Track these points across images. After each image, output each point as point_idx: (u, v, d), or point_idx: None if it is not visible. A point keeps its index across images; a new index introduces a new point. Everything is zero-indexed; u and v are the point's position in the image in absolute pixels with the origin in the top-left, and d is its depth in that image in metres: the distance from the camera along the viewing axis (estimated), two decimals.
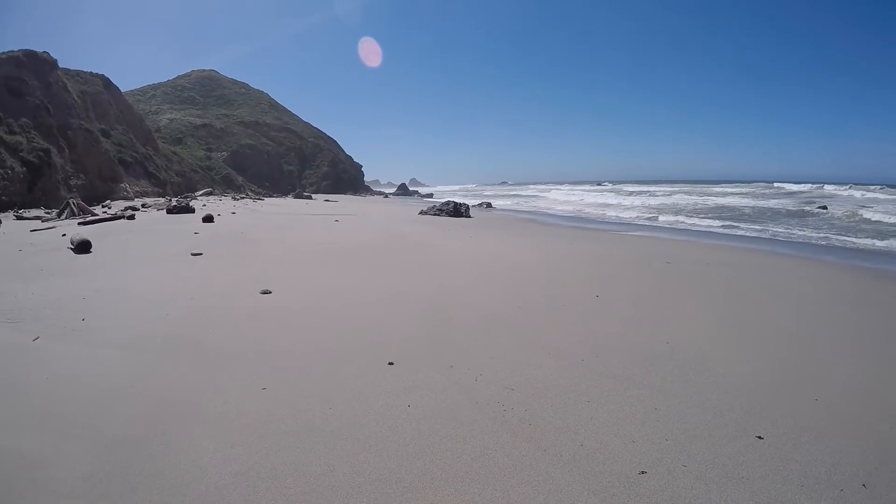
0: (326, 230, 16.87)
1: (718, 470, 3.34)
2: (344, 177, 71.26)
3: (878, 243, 16.44)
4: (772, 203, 33.73)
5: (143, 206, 27.62)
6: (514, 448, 3.53)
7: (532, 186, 69.21)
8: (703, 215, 26.41)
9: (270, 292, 7.29)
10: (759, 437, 3.76)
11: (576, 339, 5.77)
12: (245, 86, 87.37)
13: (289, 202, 38.61)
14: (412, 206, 27.92)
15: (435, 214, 23.28)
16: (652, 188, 59.73)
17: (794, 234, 19.09)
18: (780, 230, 20.27)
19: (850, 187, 46.58)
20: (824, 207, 27.61)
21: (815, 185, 51.41)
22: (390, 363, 4.90)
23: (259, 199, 43.46)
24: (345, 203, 31.99)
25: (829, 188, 47.76)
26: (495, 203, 39.50)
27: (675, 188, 58.13)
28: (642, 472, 3.29)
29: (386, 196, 59.24)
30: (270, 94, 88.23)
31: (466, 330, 5.97)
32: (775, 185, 55.89)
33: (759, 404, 4.27)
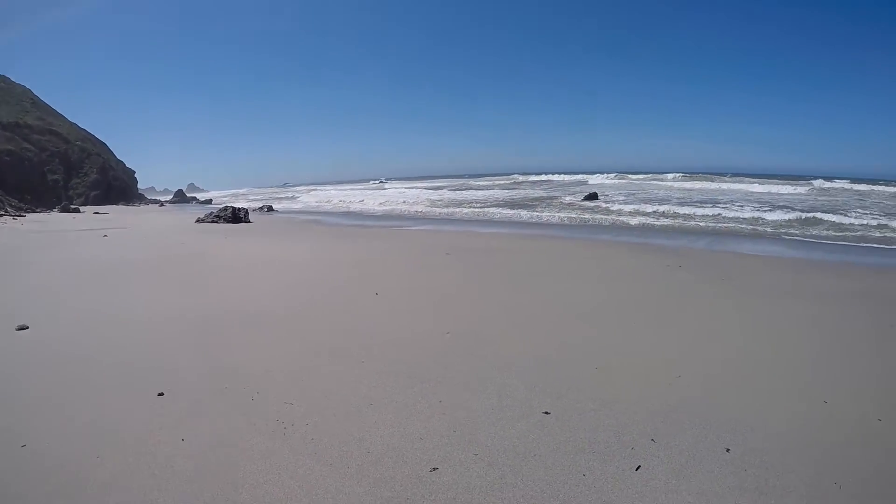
0: (95, 247, 14.66)
1: (510, 452, 3.28)
2: (116, 185, 60.54)
3: (632, 221, 19.71)
4: (538, 192, 37.25)
5: None
6: (299, 467, 3.15)
7: (317, 187, 67.40)
8: (479, 205, 27.88)
9: (28, 327, 6.06)
10: (546, 413, 3.80)
11: (355, 339, 5.50)
12: (5, 79, 73.40)
13: (54, 217, 33.62)
14: (190, 214, 25.81)
15: (213, 222, 21.48)
16: (435, 182, 62.21)
17: (573, 217, 21.11)
18: (547, 214, 22.45)
19: (615, 176, 53.36)
20: (594, 196, 30.55)
21: (583, 175, 57.30)
22: (160, 393, 4.22)
23: (20, 215, 37.09)
24: (117, 215, 28.61)
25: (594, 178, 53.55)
26: (277, 206, 37.93)
27: (445, 182, 61.27)
28: (434, 469, 3.10)
29: (162, 205, 53.14)
30: (34, 91, 75.00)
31: (242, 344, 5.35)
32: (542, 176, 60.45)
33: (543, 381, 4.39)
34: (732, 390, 4.32)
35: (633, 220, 19.66)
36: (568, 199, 30.11)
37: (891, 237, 15.39)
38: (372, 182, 75.19)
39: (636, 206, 23.50)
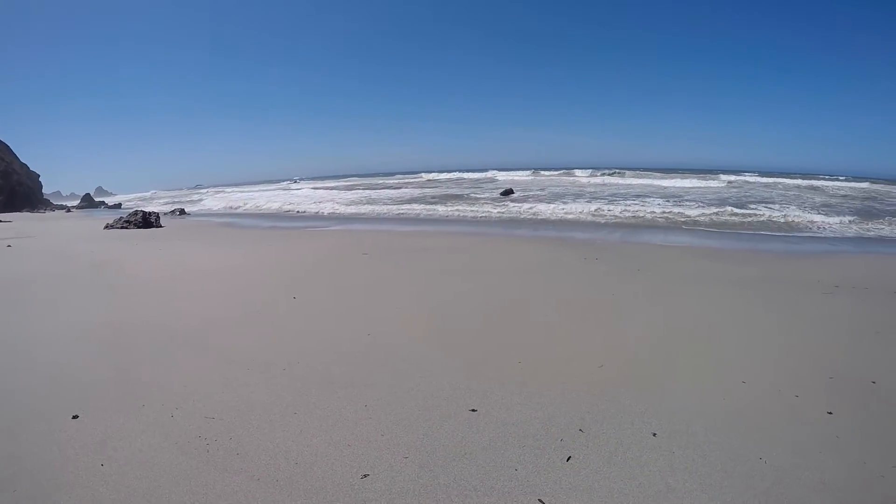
0: None
1: (440, 452, 3.22)
2: (20, 190, 54.52)
3: (548, 215, 20.11)
4: (452, 189, 37.47)
5: None
6: (226, 486, 2.99)
7: (230, 188, 64.39)
8: (394, 204, 27.33)
9: None
10: (473, 410, 3.77)
11: (275, 347, 5.28)
12: None
13: None
14: (99, 220, 24.56)
15: (123, 227, 20.36)
16: (346, 182, 60.50)
17: (490, 213, 21.31)
18: (464, 211, 22.42)
19: (531, 173, 54.45)
20: (510, 192, 30.97)
21: (493, 171, 57.97)
22: (75, 416, 3.96)
23: None
24: (21, 223, 26.67)
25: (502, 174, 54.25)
26: (189, 209, 36.24)
27: (356, 181, 59.80)
28: (365, 476, 3.01)
29: (69, 210, 49.50)
30: None
31: (158, 358, 5.00)
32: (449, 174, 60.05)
33: (468, 379, 4.35)
34: (654, 376, 4.43)
35: (549, 215, 19.94)
36: (484, 195, 30.26)
37: (793, 223, 16.55)
38: (285, 182, 72.80)
39: (551, 201, 23.95)
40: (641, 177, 42.30)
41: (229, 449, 3.36)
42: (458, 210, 22.49)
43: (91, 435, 3.62)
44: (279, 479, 3.01)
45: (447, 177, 54.57)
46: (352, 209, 26.22)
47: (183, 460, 3.25)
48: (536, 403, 3.86)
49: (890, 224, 17.02)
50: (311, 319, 6.22)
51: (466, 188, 37.93)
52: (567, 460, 3.15)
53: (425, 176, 57.43)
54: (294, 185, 58.12)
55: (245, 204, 34.10)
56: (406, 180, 54.23)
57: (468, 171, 60.89)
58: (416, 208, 24.09)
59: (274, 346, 5.30)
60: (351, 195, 35.51)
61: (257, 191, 49.58)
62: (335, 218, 23.34)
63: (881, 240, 14.90)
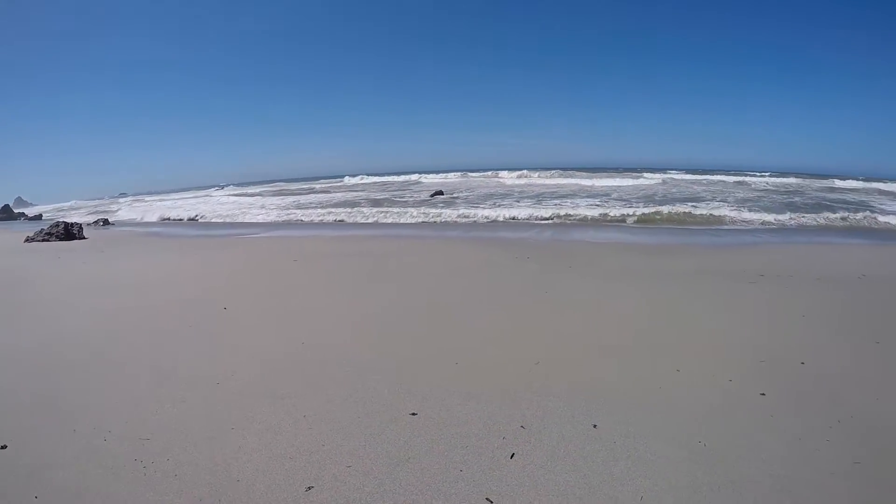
0: None
1: (383, 459, 3.16)
2: None
3: (479, 216, 20.04)
4: (379, 192, 36.98)
5: None
6: None
7: (153, 196, 60.35)
8: (322, 208, 26.51)
9: None
10: (413, 414, 3.75)
11: (207, 360, 5.07)
12: None
13: None
14: (18, 233, 23.39)
15: (44, 240, 19.36)
16: (272, 186, 56.69)
17: (420, 215, 21.04)
18: (394, 214, 22.11)
19: (460, 175, 54.29)
20: (440, 193, 31.07)
21: (416, 174, 56.97)
22: (3, 446, 3.75)
23: None
24: None
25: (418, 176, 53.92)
26: (113, 218, 34.57)
27: (282, 186, 56.83)
28: (309, 489, 2.94)
29: None
30: None
31: (86, 379, 4.69)
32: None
33: (406, 382, 4.31)
34: (591, 370, 4.51)
35: (481, 216, 19.92)
36: (413, 197, 30.08)
37: (718, 217, 17.49)
38: (210, 189, 68.74)
39: (481, 202, 24.07)
40: (570, 176, 42.75)
41: (167, 471, 3.23)
42: (388, 213, 22.13)
43: (22, 465, 3.43)
44: (221, 499, 2.90)
45: (372, 180, 52.98)
46: (280, 214, 25.48)
47: (119, 486, 3.11)
48: (476, 403, 3.86)
49: (811, 214, 17.94)
50: (243, 330, 6.01)
51: (394, 191, 37.15)
52: (511, 457, 3.16)
53: (349, 180, 55.63)
54: (218, 192, 55.26)
55: (172, 212, 32.63)
56: (332, 184, 52.62)
57: (392, 173, 59.51)
58: (346, 212, 23.45)
59: (207, 359, 5.08)
60: (278, 200, 34.43)
61: (183, 198, 47.31)
62: (264, 225, 22.69)
63: (802, 230, 15.76)
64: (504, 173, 48.45)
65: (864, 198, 28.79)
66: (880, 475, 3.11)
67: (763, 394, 4.04)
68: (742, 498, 2.86)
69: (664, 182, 37.63)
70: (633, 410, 3.73)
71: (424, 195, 30.47)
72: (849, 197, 28.94)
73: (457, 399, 3.94)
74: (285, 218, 24.41)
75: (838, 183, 38.63)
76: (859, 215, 18.23)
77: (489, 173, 51.25)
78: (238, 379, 4.55)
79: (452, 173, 55.03)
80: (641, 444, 3.28)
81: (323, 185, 51.07)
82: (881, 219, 17.83)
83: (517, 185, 37.49)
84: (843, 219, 17.91)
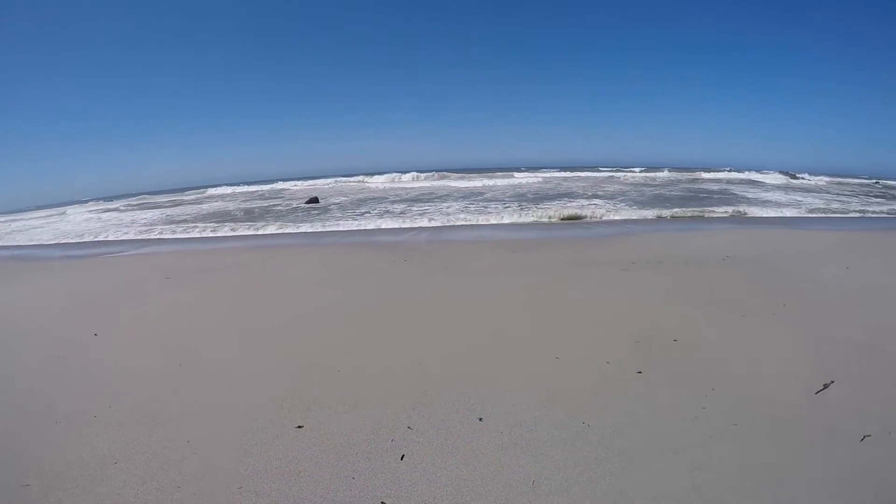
0: None
1: (274, 475, 3.10)
2: None
3: (356, 221, 19.42)
4: (243, 202, 35.52)
5: None
6: None
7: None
8: (191, 221, 24.95)
9: None
10: (300, 427, 3.69)
11: (83, 392, 4.70)
12: None
13: None
14: None
15: None
16: (129, 201, 52.41)
17: (296, 223, 20.16)
18: (268, 223, 20.90)
19: (333, 180, 52.55)
20: (316, 200, 30.40)
21: (281, 183, 54.90)
22: None
23: None
24: None
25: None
26: None
27: (152, 199, 52.86)
28: None
29: None
30: None
31: None
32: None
33: (290, 395, 4.22)
34: (474, 365, 4.62)
35: (358, 220, 19.38)
36: (287, 205, 29.01)
37: (591, 212, 18.26)
38: (74, 205, 60.02)
39: (358, 207, 23.60)
40: (444, 178, 43.17)
41: None
42: (263, 222, 21.31)
43: None
44: None
45: (242, 190, 49.09)
46: (151, 230, 23.85)
47: None
48: (363, 409, 3.87)
49: (678, 208, 19.32)
50: (117, 356, 5.59)
51: (267, 199, 35.32)
52: (401, 459, 3.20)
53: (214, 191, 50.97)
54: (78, 209, 48.89)
55: (23, 235, 29.34)
56: (199, 195, 48.82)
57: (256, 182, 56.28)
58: (218, 224, 22.23)
59: (81, 390, 4.70)
60: (147, 214, 31.98)
61: (37, 217, 42.79)
62: (133, 242, 21.13)
63: (670, 220, 16.91)
64: (376, 177, 47.55)
65: (726, 186, 31.68)
66: (756, 434, 3.46)
67: (640, 372, 4.33)
68: (628, 469, 3.06)
69: (538, 180, 39.12)
70: (516, 400, 3.88)
71: (297, 202, 29.38)
72: (714, 186, 31.68)
73: (342, 406, 3.92)
74: (157, 234, 22.79)
75: (705, 175, 42.09)
76: (724, 206, 19.87)
77: (359, 178, 49.73)
78: (117, 408, 4.25)
79: (322, 179, 52.90)
80: (527, 432, 3.42)
81: (192, 197, 47.66)
82: (743, 207, 19.55)
83: (391, 189, 36.65)
84: (709, 207, 19.43)
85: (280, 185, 49.31)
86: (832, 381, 4.20)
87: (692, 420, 3.62)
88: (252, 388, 4.43)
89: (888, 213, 20.23)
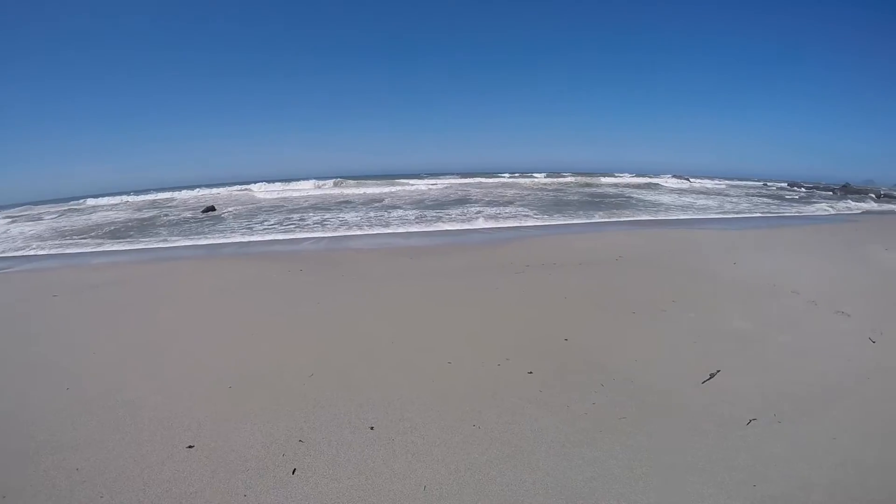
0: None
1: (164, 499, 3.03)
2: None
3: (255, 231, 18.75)
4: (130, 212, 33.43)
5: None
6: None
7: None
8: (79, 235, 23.29)
9: None
10: (190, 447, 3.60)
11: None
12: None
13: None
14: None
15: None
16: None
17: (191, 234, 18.70)
18: (163, 233, 19.45)
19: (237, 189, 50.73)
20: (212, 209, 28.58)
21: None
22: None
23: None
24: None
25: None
26: None
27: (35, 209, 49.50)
28: None
29: None
30: None
31: None
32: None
33: (178, 415, 4.09)
34: (365, 375, 4.65)
35: (254, 230, 18.54)
36: (179, 215, 26.30)
37: (488, 216, 18.86)
38: None
39: (254, 216, 22.85)
40: (341, 186, 42.34)
41: None
42: (155, 234, 19.65)
43: None
44: None
45: (134, 199, 45.85)
46: (41, 244, 22.01)
47: None
48: (253, 425, 3.82)
49: (575, 210, 20.13)
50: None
51: (161, 209, 32.01)
52: (293, 473, 3.21)
53: (89, 202, 47.21)
54: None
55: None
56: (78, 206, 44.93)
57: (150, 191, 51.69)
58: (109, 238, 20.07)
59: None
60: (29, 228, 29.78)
61: None
62: (17, 257, 19.22)
63: (568, 223, 17.48)
64: (273, 185, 45.57)
65: (624, 190, 33.46)
66: (645, 425, 3.72)
67: (531, 372, 4.53)
68: (519, 468, 3.20)
69: (444, 186, 39.42)
70: (408, 407, 3.98)
71: (191, 213, 27.36)
72: (612, 190, 33.27)
73: (232, 424, 3.86)
74: (41, 247, 20.87)
75: (605, 179, 44.03)
76: (621, 209, 20.88)
77: (259, 185, 46.13)
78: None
79: (223, 188, 49.34)
80: (419, 438, 3.52)
81: (77, 207, 43.85)
82: (638, 210, 20.60)
83: (289, 197, 34.65)
84: (605, 210, 20.37)
85: (175, 194, 45.14)
86: (718, 371, 4.54)
87: (582, 416, 3.83)
88: (140, 409, 4.25)
89: (773, 213, 21.92)
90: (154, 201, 40.15)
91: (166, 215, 27.11)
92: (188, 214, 26.13)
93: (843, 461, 3.31)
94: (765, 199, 30.69)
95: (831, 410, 3.97)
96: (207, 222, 22.19)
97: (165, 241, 17.23)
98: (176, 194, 44.15)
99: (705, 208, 22.97)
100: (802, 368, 4.70)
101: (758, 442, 3.50)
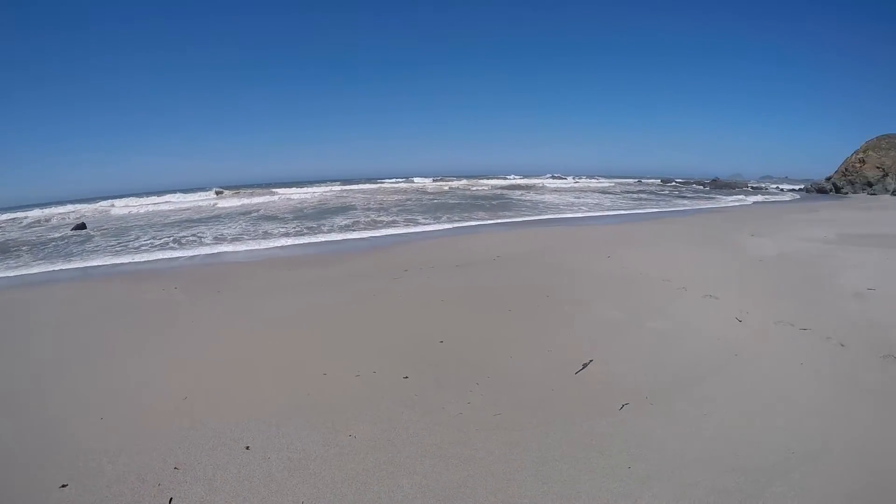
0: None
1: None
2: None
3: (126, 250, 17.64)
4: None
5: None
6: None
7: None
8: None
9: None
10: (64, 486, 3.41)
11: None
12: None
13: None
14: None
15: None
16: None
17: (54, 255, 16.73)
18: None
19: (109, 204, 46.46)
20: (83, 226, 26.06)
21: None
22: None
23: None
24: None
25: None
26: None
27: None
28: None
29: None
30: None
31: None
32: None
33: (51, 451, 3.85)
34: (239, 394, 4.62)
35: (127, 248, 16.84)
36: (44, 235, 23.07)
37: (371, 222, 19.11)
38: None
39: (124, 234, 20.90)
40: (217, 197, 40.36)
41: None
42: (17, 254, 17.69)
43: None
44: None
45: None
46: None
47: None
48: (127, 456, 3.70)
49: (456, 213, 20.70)
50: None
51: (23, 228, 29.69)
52: (170, 502, 3.19)
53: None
54: None
55: None
56: None
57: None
58: None
59: None
60: None
61: None
62: None
63: (447, 226, 17.88)
64: (143, 199, 42.56)
65: (506, 192, 35.01)
66: (520, 420, 3.95)
67: (406, 377, 4.77)
68: (395, 474, 3.38)
69: (321, 193, 39.65)
70: (282, 424, 4.07)
71: (59, 233, 24.41)
72: (494, 192, 34.70)
73: (106, 457, 3.71)
74: None
75: (489, 181, 45.44)
76: (501, 210, 21.70)
77: (106, 203, 42.28)
78: None
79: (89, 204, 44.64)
80: (294, 453, 3.64)
81: None
82: (518, 210, 21.45)
83: (158, 211, 32.60)
84: (485, 212, 21.12)
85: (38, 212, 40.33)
86: (591, 360, 4.90)
87: (457, 417, 4.06)
88: (6, 446, 4.01)
89: (648, 209, 23.57)
90: (13, 219, 35.66)
91: (28, 236, 23.92)
92: (54, 235, 23.34)
93: (715, 435, 3.69)
94: (642, 195, 32.89)
95: (702, 388, 4.42)
96: (74, 240, 20.14)
97: (27, 265, 15.26)
98: (42, 211, 39.61)
99: (583, 206, 24.31)
100: (673, 351, 5.21)
101: (631, 425, 3.83)
